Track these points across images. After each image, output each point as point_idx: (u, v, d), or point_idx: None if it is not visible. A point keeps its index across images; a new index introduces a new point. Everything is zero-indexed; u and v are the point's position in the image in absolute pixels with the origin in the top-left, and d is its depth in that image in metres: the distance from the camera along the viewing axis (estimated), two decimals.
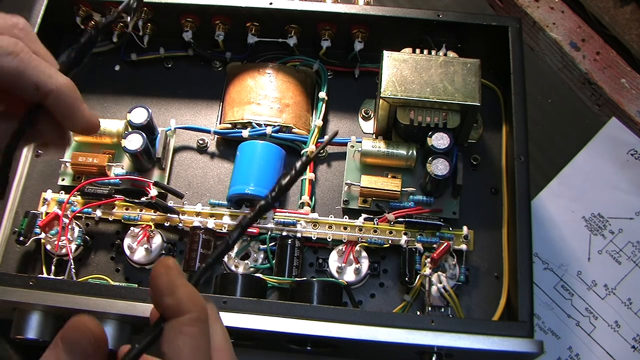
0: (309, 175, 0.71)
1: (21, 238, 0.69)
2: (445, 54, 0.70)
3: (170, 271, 0.36)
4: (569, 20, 0.87)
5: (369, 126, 0.76)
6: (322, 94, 0.75)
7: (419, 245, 0.67)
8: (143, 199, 0.69)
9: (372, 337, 0.58)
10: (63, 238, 0.68)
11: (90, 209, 0.70)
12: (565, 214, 0.78)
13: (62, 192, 0.71)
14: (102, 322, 0.61)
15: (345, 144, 0.73)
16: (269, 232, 0.68)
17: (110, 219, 0.70)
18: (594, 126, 0.83)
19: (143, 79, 0.79)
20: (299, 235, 0.68)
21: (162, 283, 0.36)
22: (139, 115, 0.71)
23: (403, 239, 0.67)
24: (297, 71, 0.76)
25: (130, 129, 0.71)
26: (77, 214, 0.69)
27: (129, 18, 0.49)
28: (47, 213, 0.70)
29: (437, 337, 0.58)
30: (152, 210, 0.69)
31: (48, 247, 0.69)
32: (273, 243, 0.69)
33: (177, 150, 0.75)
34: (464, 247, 0.67)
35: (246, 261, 0.69)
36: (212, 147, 0.76)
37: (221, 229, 0.69)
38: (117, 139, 0.72)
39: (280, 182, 0.40)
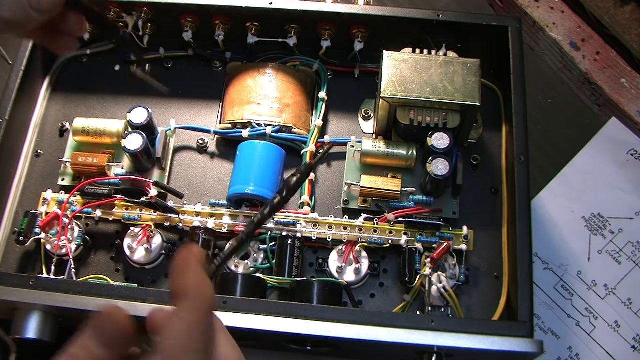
0: None
1: (21, 238, 0.68)
2: (445, 54, 0.70)
3: (189, 255, 0.38)
4: (569, 20, 0.87)
5: (369, 126, 0.76)
6: (322, 94, 0.75)
7: (419, 245, 0.67)
8: (143, 199, 0.69)
9: (372, 337, 0.58)
10: (63, 238, 0.68)
11: (90, 209, 0.70)
12: (565, 214, 0.78)
13: (62, 192, 0.71)
14: None
15: (345, 144, 0.73)
16: (269, 232, 0.68)
17: (110, 219, 0.70)
18: (594, 126, 0.83)
19: (143, 79, 0.79)
20: (299, 235, 0.68)
21: (178, 264, 0.38)
22: (139, 115, 0.71)
23: (403, 239, 0.67)
24: (297, 71, 0.76)
25: (130, 129, 0.71)
26: (77, 214, 0.69)
27: None
28: (47, 213, 0.70)
29: (437, 337, 0.58)
30: (152, 210, 0.69)
31: (48, 247, 0.69)
32: (273, 243, 0.68)
33: (177, 150, 0.75)
34: (464, 247, 0.67)
35: (246, 261, 0.69)
36: (212, 147, 0.76)
37: (221, 229, 0.69)
38: (117, 139, 0.72)
39: (288, 182, 0.43)
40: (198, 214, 0.70)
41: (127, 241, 0.69)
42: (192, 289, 0.37)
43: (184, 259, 0.38)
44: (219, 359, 0.38)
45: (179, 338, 0.35)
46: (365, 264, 0.68)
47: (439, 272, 0.66)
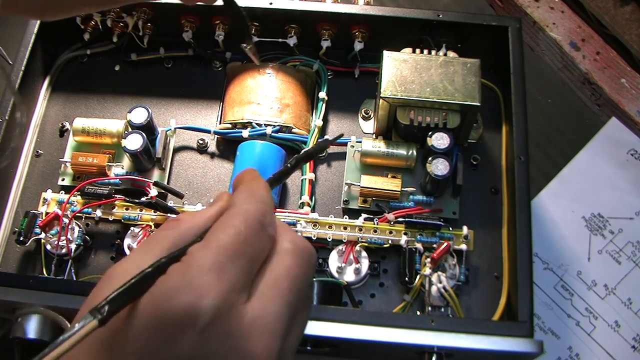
0: (308, 175, 0.71)
1: (21, 238, 0.68)
2: (445, 54, 0.70)
3: (247, 169, 0.45)
4: (569, 20, 0.87)
5: (369, 126, 0.76)
6: (322, 94, 0.75)
7: (419, 245, 0.67)
8: (143, 199, 0.69)
9: (372, 337, 0.58)
10: (63, 238, 0.68)
11: (90, 209, 0.70)
12: (565, 214, 0.78)
13: (62, 192, 0.71)
14: None
15: (345, 144, 0.73)
16: None
17: (110, 219, 0.70)
18: (594, 126, 0.83)
19: (143, 79, 0.79)
20: (299, 235, 0.68)
21: (242, 174, 0.44)
22: (139, 115, 0.71)
23: (403, 239, 0.67)
24: (297, 71, 0.76)
25: (130, 129, 0.71)
26: (77, 214, 0.69)
27: None
28: (47, 213, 0.70)
29: (437, 337, 0.58)
30: (152, 210, 0.69)
31: (48, 247, 0.69)
32: None
33: (177, 150, 0.75)
34: (464, 247, 0.67)
35: None
36: (212, 147, 0.76)
37: None
38: (117, 139, 0.72)
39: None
40: None
41: (127, 241, 0.69)
42: (247, 178, 0.43)
43: (243, 172, 0.44)
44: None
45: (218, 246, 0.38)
46: (365, 264, 0.68)
47: (439, 272, 0.66)
